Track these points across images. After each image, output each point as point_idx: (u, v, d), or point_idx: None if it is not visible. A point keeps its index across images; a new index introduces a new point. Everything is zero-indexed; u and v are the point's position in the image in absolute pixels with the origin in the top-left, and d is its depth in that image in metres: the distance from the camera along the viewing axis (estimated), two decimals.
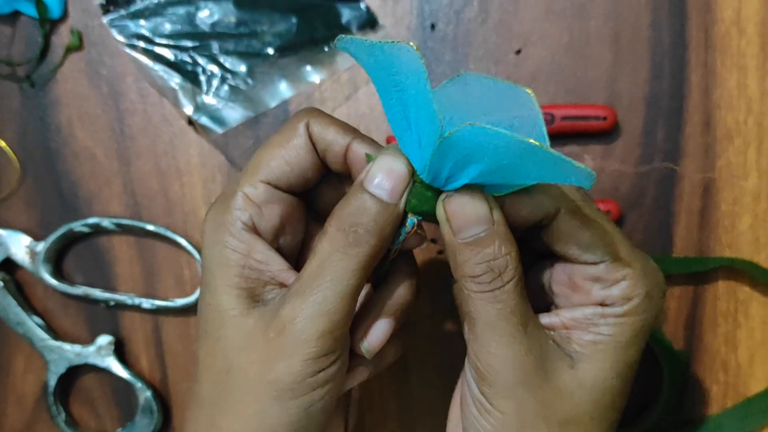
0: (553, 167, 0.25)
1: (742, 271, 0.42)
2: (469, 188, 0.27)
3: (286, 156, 0.30)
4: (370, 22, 0.43)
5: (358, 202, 0.28)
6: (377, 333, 0.31)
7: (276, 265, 0.30)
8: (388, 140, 0.42)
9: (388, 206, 0.28)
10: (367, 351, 0.31)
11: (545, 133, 0.27)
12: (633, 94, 0.42)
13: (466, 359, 0.30)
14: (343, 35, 0.26)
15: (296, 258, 0.33)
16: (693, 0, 0.42)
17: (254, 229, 0.30)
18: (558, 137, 0.42)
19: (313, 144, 0.31)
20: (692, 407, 0.44)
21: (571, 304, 0.30)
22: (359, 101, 0.43)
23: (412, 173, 0.28)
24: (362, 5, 0.43)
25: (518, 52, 0.43)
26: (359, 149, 0.30)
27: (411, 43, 0.25)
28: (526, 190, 0.28)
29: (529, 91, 0.28)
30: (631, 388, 0.31)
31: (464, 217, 0.27)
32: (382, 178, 0.28)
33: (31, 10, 0.43)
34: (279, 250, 0.31)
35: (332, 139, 0.30)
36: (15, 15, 0.44)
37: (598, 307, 0.29)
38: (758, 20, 0.42)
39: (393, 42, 0.25)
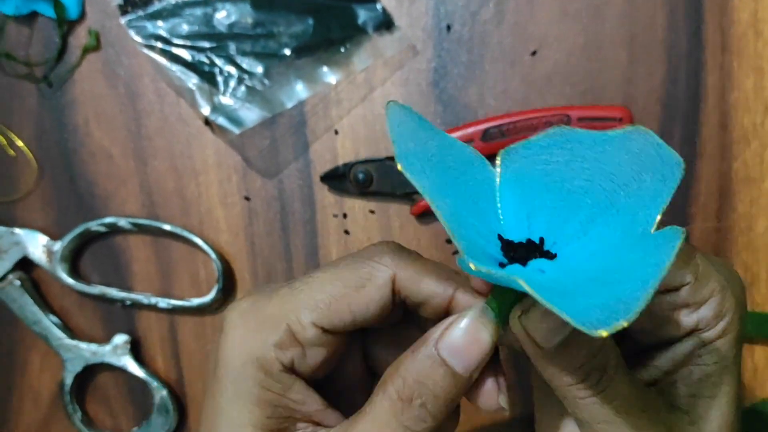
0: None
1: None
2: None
3: (353, 304, 0.25)
4: (386, 23, 0.43)
5: (429, 370, 0.24)
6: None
7: (314, 405, 0.27)
8: None
9: (461, 378, 0.24)
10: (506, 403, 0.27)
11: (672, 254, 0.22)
12: (649, 96, 0.42)
13: None
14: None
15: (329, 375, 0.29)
16: (709, 2, 0.42)
17: (293, 370, 0.26)
18: None
19: (395, 294, 0.26)
20: None
21: (659, 340, 0.27)
22: (375, 102, 0.43)
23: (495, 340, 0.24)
24: (378, 6, 0.43)
25: (534, 53, 0.43)
26: (464, 301, 0.26)
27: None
28: None
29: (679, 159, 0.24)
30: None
31: (547, 326, 0.24)
32: (463, 348, 0.24)
33: (49, 11, 0.43)
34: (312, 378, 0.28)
35: (430, 293, 0.26)
36: (33, 16, 0.44)
37: (694, 336, 0.26)
38: None
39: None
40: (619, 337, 0.27)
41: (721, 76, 0.42)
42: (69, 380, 0.45)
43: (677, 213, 0.42)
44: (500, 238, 0.25)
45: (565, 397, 0.25)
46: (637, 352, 0.28)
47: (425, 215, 0.43)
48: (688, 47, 0.42)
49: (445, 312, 0.26)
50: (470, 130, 0.42)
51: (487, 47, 0.43)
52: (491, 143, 0.41)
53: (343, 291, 0.25)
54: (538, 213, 0.25)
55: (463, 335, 0.24)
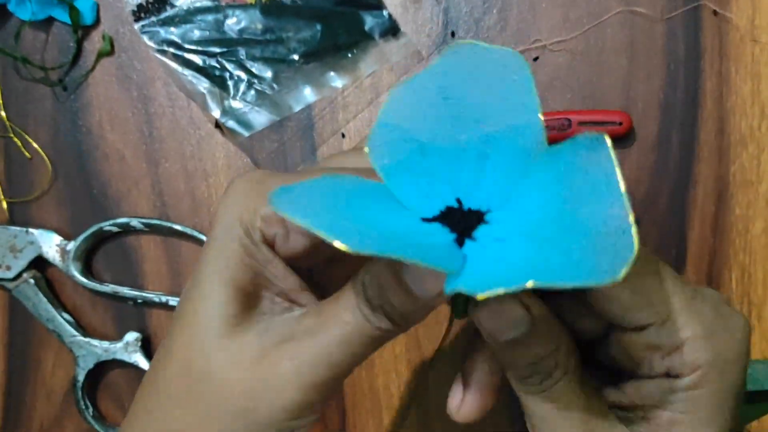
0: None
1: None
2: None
3: None
4: (392, 30, 0.44)
5: (390, 281, 0.24)
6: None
7: (290, 284, 0.27)
8: None
9: (417, 300, 0.24)
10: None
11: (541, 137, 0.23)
12: (648, 101, 0.43)
13: None
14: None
15: (320, 275, 0.30)
16: (707, 9, 0.43)
17: (272, 246, 0.27)
18: None
19: None
20: None
21: (637, 375, 0.26)
22: (381, 106, 0.44)
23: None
24: (385, 13, 0.44)
25: (536, 59, 0.44)
26: None
27: None
28: None
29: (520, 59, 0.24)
30: None
31: (497, 324, 0.24)
32: (422, 275, 0.23)
33: (64, 16, 0.45)
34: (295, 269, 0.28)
35: None
36: (49, 21, 0.45)
37: (665, 379, 0.25)
38: None
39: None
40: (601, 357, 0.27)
41: (719, 82, 0.43)
42: (81, 377, 0.46)
43: (675, 216, 0.43)
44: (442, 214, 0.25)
45: (513, 383, 0.26)
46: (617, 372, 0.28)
47: None
48: (686, 53, 0.43)
49: None
50: None
51: None
52: None
53: None
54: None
55: (424, 268, 0.23)
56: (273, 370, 0.25)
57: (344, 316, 0.25)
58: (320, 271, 0.30)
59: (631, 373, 0.26)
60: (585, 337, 0.27)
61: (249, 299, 0.26)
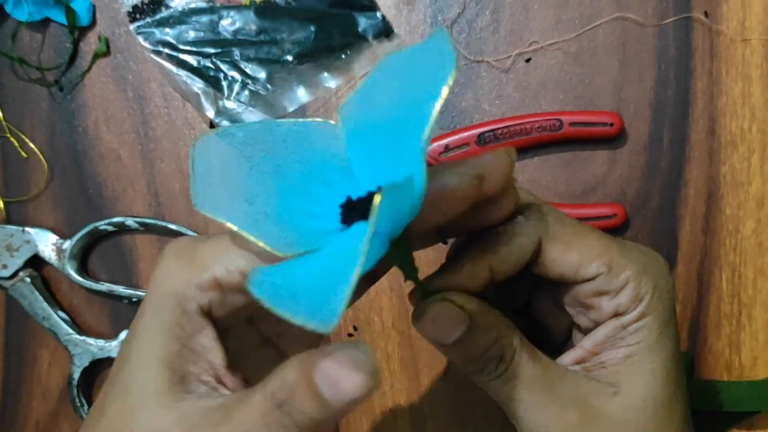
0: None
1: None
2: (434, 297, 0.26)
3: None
4: (385, 31, 0.44)
5: (301, 385, 0.22)
6: None
7: (217, 359, 0.26)
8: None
9: (329, 407, 0.22)
10: None
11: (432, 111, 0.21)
12: (639, 101, 0.44)
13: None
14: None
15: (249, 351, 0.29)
16: (698, 10, 0.43)
17: (208, 314, 0.26)
18: (566, 143, 0.43)
19: None
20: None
21: (589, 322, 0.30)
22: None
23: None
24: (378, 14, 0.44)
25: (528, 60, 0.44)
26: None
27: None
28: (503, 240, 0.27)
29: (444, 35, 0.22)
30: (684, 383, 0.30)
31: (438, 330, 0.27)
32: (336, 381, 0.21)
33: (60, 17, 0.45)
34: (226, 334, 0.27)
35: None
36: (45, 22, 0.46)
37: (615, 319, 0.29)
38: (762, 30, 0.43)
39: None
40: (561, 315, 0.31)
41: (710, 83, 0.43)
42: (77, 375, 0.46)
43: (666, 216, 0.44)
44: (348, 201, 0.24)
45: (474, 378, 0.28)
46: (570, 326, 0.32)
47: None
48: (677, 54, 0.43)
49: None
50: (465, 134, 0.43)
51: (483, 54, 0.44)
52: (486, 147, 0.43)
53: None
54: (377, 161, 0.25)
55: (339, 368, 0.21)
56: None
57: (261, 419, 0.23)
58: (242, 333, 0.29)
59: (576, 319, 0.30)
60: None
61: (179, 372, 0.26)
